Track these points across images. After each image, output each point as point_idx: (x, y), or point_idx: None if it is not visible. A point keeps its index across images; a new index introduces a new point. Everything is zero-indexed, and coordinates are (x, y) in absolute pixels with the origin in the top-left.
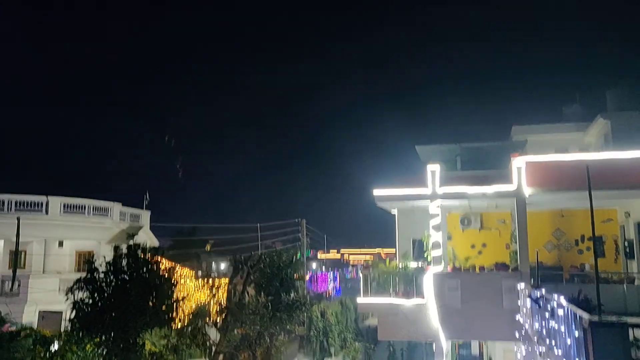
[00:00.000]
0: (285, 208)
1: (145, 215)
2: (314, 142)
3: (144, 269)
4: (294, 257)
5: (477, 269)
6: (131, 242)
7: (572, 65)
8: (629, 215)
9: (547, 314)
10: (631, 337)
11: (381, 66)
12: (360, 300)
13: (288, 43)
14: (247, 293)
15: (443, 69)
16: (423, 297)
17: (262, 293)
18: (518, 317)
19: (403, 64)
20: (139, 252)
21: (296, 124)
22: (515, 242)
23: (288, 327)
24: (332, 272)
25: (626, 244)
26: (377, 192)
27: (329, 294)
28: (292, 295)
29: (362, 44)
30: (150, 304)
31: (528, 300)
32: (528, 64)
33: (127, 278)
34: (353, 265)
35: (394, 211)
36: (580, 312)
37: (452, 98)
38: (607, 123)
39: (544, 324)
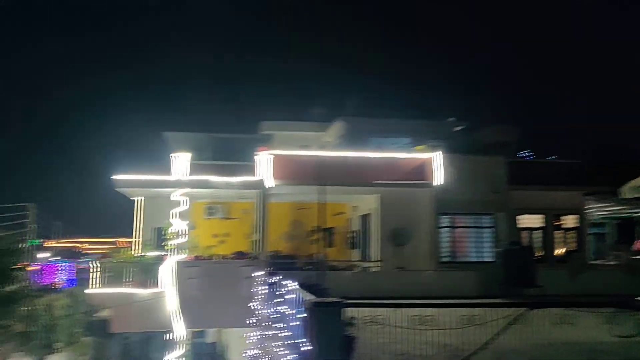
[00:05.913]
0: (15, 193)
1: None
2: (56, 128)
3: None
4: (18, 244)
5: (218, 258)
6: None
7: (316, 74)
8: (356, 209)
9: (279, 300)
10: (348, 316)
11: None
12: (90, 290)
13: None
14: None
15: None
16: (160, 287)
17: None
18: (253, 304)
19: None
20: None
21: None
22: (256, 232)
23: (2, 322)
24: (64, 263)
25: (352, 235)
26: (116, 177)
27: (56, 285)
28: (13, 286)
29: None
30: None
31: (264, 287)
32: (283, 72)
33: None
34: (88, 254)
35: (138, 198)
36: (306, 295)
37: (207, 93)
38: (343, 125)
39: (275, 309)
